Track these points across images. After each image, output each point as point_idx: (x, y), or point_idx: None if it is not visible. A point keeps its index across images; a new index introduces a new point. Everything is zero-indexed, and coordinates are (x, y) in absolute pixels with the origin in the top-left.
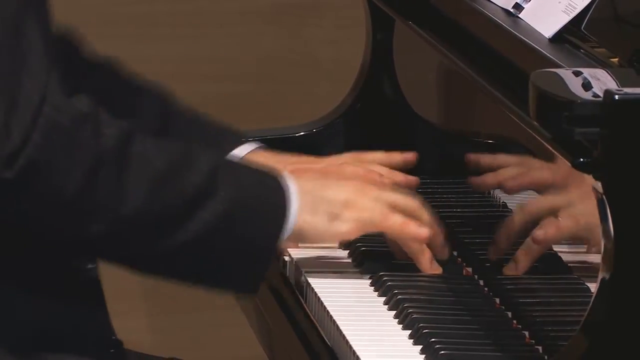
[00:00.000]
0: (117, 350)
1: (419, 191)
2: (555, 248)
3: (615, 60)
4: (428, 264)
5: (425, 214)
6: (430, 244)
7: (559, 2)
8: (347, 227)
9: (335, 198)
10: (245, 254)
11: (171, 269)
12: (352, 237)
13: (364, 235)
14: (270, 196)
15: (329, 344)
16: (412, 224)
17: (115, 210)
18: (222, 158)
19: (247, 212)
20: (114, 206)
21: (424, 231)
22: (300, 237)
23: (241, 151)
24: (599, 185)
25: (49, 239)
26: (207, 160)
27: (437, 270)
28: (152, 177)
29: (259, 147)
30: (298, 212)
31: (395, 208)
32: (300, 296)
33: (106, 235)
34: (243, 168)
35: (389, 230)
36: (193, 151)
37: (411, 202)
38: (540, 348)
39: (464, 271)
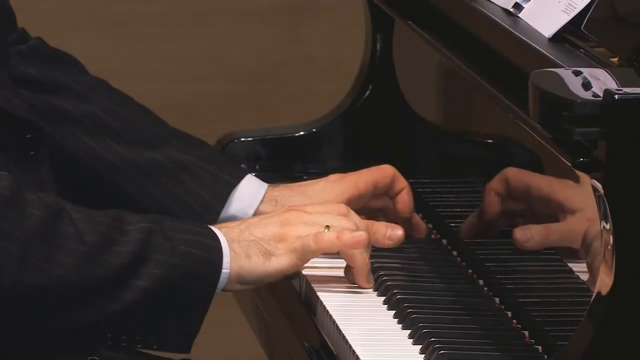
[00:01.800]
0: None
1: (418, 191)
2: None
3: (615, 60)
4: (365, 279)
5: (356, 220)
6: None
7: (559, 2)
8: (285, 261)
9: (264, 236)
10: (180, 316)
11: (109, 333)
12: (294, 269)
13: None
14: (202, 255)
15: (328, 343)
16: (346, 232)
17: (43, 288)
18: (155, 221)
19: (181, 275)
20: (42, 285)
21: (360, 234)
22: (242, 281)
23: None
24: (598, 185)
25: None
26: (139, 228)
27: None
28: (81, 253)
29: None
30: (232, 261)
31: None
32: (300, 298)
33: (35, 315)
34: (176, 229)
35: (328, 249)
36: (125, 219)
37: (343, 220)
38: (539, 348)
39: (464, 271)
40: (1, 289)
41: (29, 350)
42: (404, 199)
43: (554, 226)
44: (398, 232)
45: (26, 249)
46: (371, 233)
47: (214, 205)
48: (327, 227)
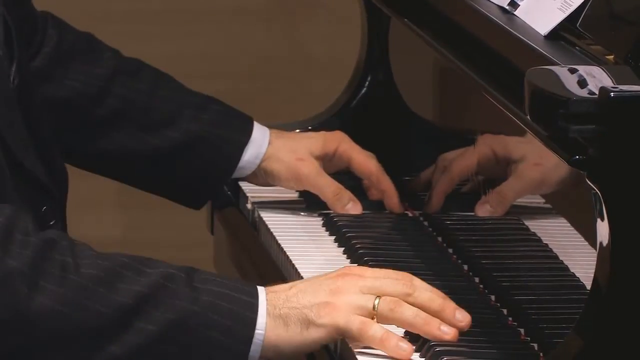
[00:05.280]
0: None
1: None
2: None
3: (610, 57)
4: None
5: (420, 295)
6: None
7: (554, 0)
8: (324, 333)
9: (310, 304)
10: None
11: None
12: (332, 342)
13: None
14: (231, 308)
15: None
16: (393, 339)
17: (30, 318)
18: (185, 271)
19: (205, 325)
20: (27, 313)
21: (405, 350)
22: (278, 351)
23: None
24: (594, 183)
25: None
26: (160, 272)
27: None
28: (72, 282)
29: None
30: (268, 329)
31: (382, 294)
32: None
33: (24, 346)
34: (208, 282)
35: (369, 343)
36: (149, 263)
37: (399, 285)
38: (535, 345)
39: (460, 269)
40: None
41: None
42: (393, 202)
43: (505, 186)
44: (460, 324)
45: (9, 274)
46: (431, 311)
47: (227, 167)
48: (378, 297)
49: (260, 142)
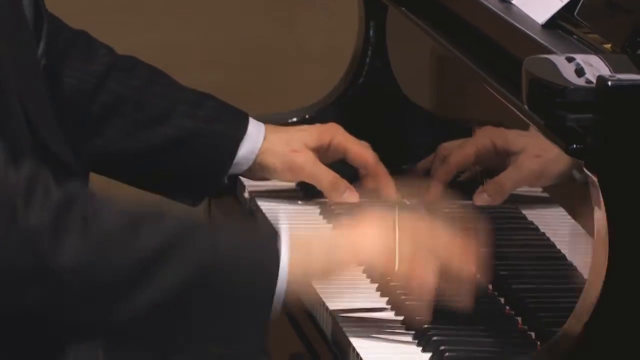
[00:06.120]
0: None
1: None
2: None
3: (608, 46)
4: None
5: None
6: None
7: None
8: (350, 254)
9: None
10: (243, 311)
11: (152, 335)
12: (356, 264)
13: None
14: (253, 240)
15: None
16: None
17: (54, 271)
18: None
19: (233, 271)
20: (51, 267)
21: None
22: (309, 272)
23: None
24: (591, 171)
25: None
26: (177, 223)
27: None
28: (98, 239)
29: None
30: (291, 250)
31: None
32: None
33: (45, 300)
34: (230, 227)
35: (392, 278)
36: (161, 214)
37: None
38: (532, 334)
39: None
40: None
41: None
42: (390, 192)
43: (504, 176)
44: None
45: (32, 228)
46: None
47: (223, 163)
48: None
49: (256, 137)
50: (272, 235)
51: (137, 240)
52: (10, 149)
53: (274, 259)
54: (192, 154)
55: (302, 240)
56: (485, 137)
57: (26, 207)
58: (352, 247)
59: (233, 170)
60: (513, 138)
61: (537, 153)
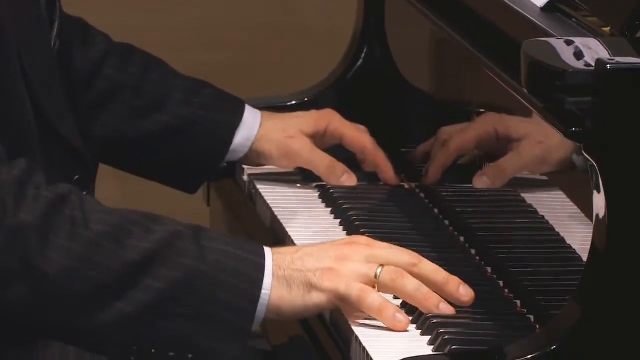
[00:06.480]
0: None
1: (410, 160)
2: None
3: (607, 29)
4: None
5: (425, 266)
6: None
7: None
8: (325, 299)
9: (314, 268)
10: (219, 334)
11: (123, 337)
12: (331, 309)
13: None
14: (238, 267)
15: None
16: (390, 309)
17: (39, 270)
18: (192, 229)
19: (210, 284)
20: (37, 265)
21: (402, 321)
22: (280, 313)
23: (254, 121)
24: (590, 155)
25: None
26: (167, 230)
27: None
28: (81, 237)
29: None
30: (273, 288)
31: (387, 263)
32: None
33: (28, 299)
34: (214, 240)
35: (366, 311)
36: (158, 220)
37: (405, 256)
38: (531, 317)
39: (456, 240)
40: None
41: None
42: (389, 175)
43: (505, 160)
44: (464, 298)
45: (21, 226)
46: (435, 283)
47: (219, 150)
48: (382, 266)
49: (252, 124)
50: (258, 257)
51: (122, 246)
52: (15, 134)
53: (257, 284)
54: (189, 141)
55: (283, 273)
56: (487, 123)
57: (16, 206)
58: (327, 295)
59: (229, 157)
60: (515, 124)
61: (539, 140)
